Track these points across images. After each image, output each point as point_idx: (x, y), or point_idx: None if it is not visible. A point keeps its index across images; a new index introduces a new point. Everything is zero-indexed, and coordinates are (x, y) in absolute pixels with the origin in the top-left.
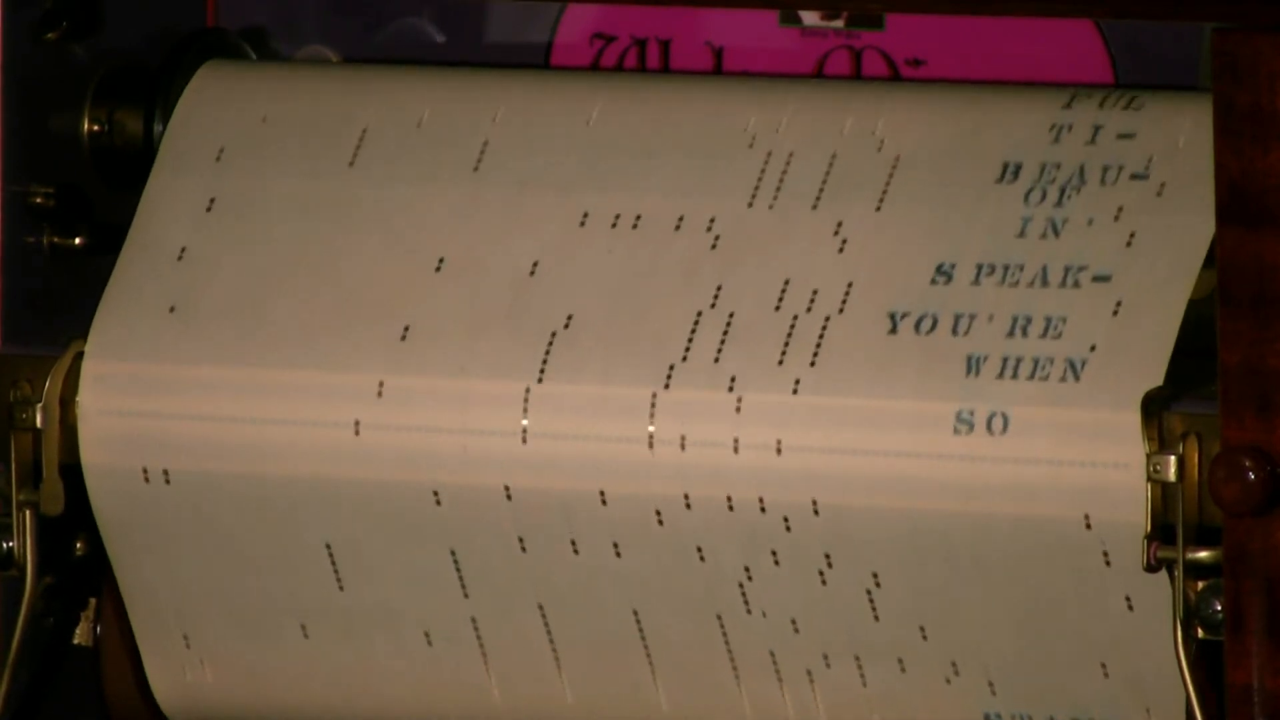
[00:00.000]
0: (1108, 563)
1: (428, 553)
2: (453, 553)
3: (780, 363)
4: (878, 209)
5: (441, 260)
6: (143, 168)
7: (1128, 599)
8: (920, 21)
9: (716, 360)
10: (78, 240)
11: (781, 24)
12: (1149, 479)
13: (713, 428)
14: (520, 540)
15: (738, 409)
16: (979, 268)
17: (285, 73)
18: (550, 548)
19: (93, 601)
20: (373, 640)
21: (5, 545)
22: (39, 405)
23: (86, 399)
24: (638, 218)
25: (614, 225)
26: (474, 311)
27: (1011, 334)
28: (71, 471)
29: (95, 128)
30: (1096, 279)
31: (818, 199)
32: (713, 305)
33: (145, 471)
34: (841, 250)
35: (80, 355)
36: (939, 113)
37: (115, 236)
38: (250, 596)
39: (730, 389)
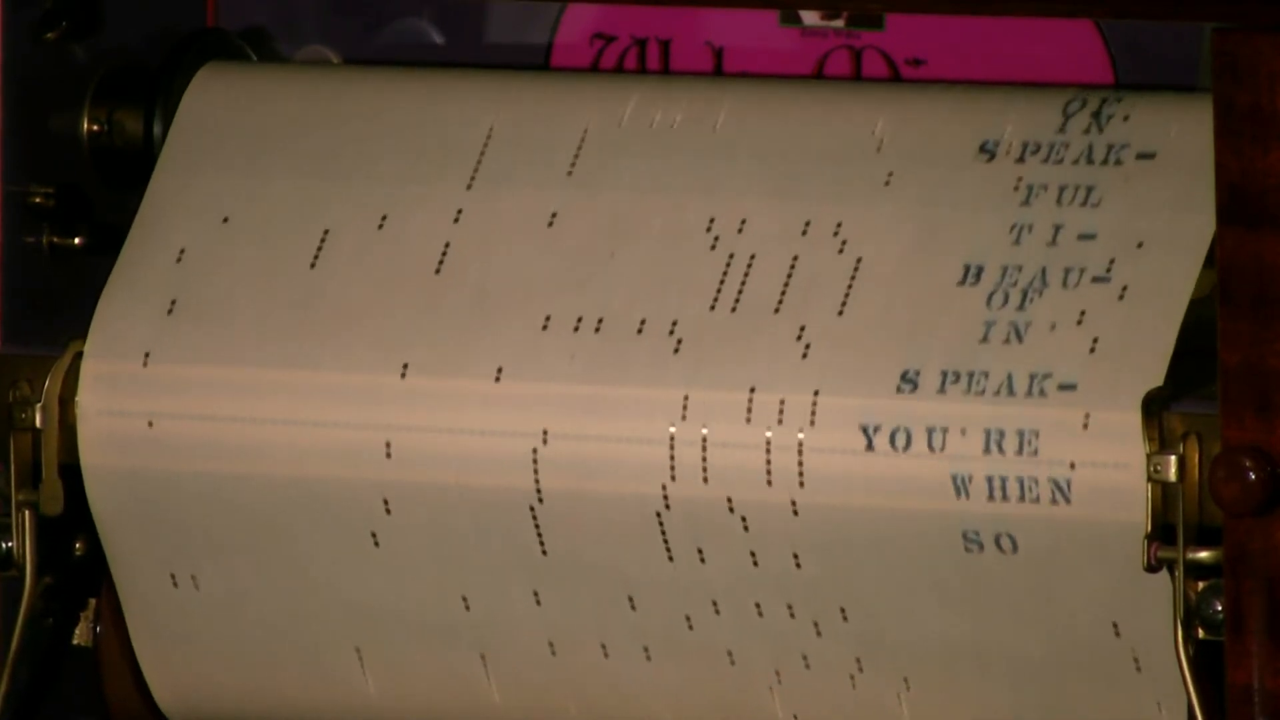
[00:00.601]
0: (1138, 668)
1: (458, 656)
2: (482, 657)
3: (769, 483)
4: (840, 313)
5: (406, 366)
6: (143, 168)
7: (1159, 704)
8: (920, 21)
9: (705, 480)
10: (78, 240)
11: (781, 24)
12: (1149, 479)
13: (726, 545)
14: (550, 645)
15: (745, 528)
16: (944, 375)
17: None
18: (581, 652)
19: (93, 601)
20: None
21: (5, 545)
22: (39, 405)
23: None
24: (600, 321)
25: (576, 329)
26: (449, 422)
27: (988, 450)
28: (71, 471)
29: (95, 128)
30: (1062, 388)
31: (779, 303)
32: (683, 417)
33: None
34: (805, 356)
35: (80, 355)
36: (900, 212)
37: (115, 236)
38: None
39: (730, 510)
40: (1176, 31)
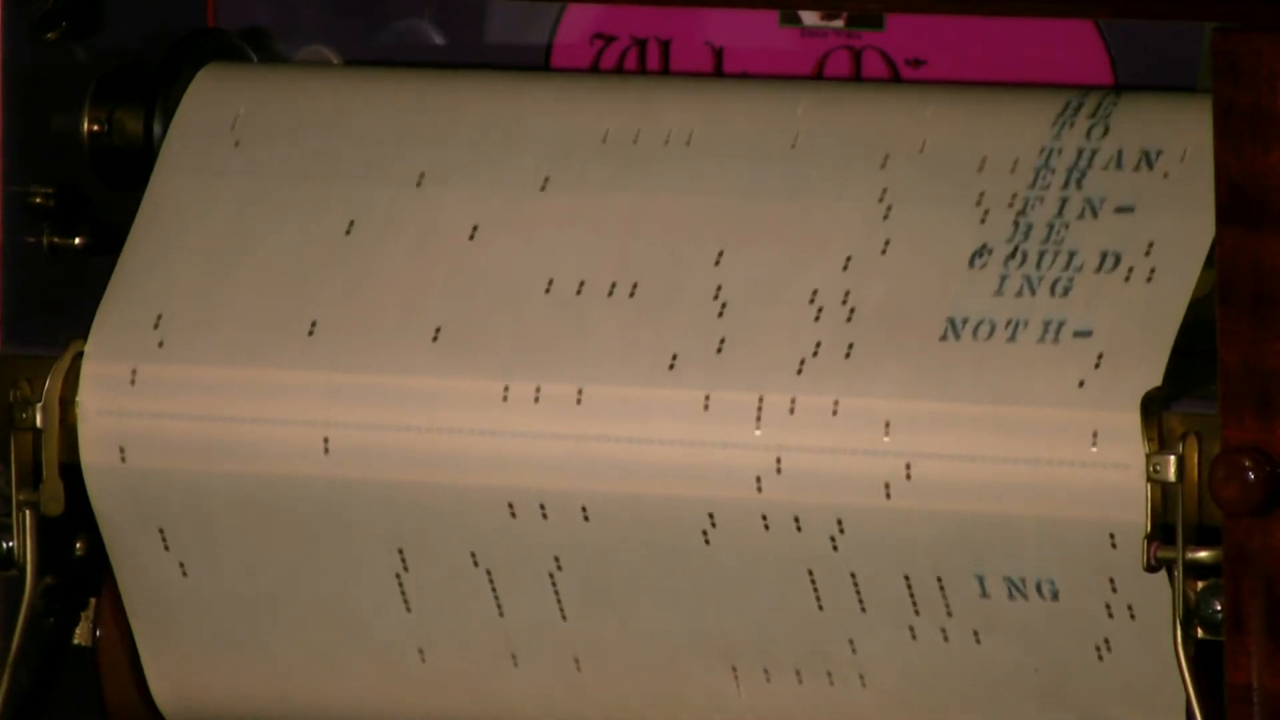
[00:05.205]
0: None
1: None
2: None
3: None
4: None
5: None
6: (143, 168)
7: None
8: (920, 21)
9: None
10: (78, 240)
11: (781, 24)
12: (1149, 479)
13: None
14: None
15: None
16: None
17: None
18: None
19: (93, 601)
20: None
21: (5, 545)
22: (39, 405)
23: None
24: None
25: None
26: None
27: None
28: (71, 471)
29: (95, 128)
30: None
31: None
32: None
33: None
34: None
35: (80, 355)
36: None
37: (115, 236)
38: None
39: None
40: (1176, 31)
